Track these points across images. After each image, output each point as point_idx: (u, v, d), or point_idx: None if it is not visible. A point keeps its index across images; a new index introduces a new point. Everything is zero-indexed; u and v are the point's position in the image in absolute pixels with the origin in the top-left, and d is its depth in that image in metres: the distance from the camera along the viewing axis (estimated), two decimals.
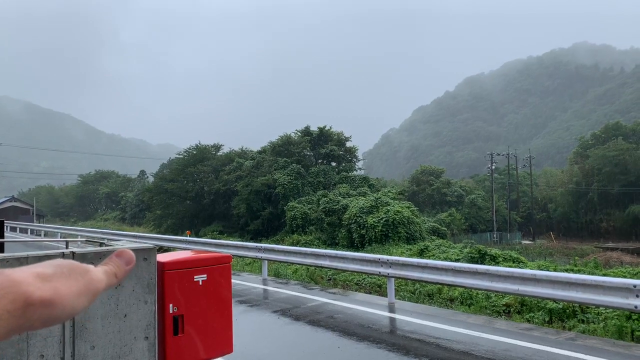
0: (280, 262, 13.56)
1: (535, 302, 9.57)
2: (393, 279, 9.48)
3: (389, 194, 36.54)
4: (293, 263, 12.91)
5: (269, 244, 21.98)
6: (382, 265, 9.63)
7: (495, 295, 10.43)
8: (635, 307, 6.12)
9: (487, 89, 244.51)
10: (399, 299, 10.62)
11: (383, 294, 11.69)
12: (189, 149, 53.46)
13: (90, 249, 4.01)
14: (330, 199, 35.31)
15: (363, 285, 14.20)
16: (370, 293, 12.62)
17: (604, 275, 13.40)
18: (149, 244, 4.44)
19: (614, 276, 12.63)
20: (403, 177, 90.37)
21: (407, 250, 25.25)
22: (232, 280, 5.49)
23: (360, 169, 50.97)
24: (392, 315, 8.38)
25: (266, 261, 13.03)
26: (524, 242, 53.00)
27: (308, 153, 46.92)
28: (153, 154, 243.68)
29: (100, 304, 3.61)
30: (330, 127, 47.91)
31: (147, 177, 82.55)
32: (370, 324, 7.72)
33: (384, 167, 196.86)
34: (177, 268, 4.58)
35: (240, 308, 8.97)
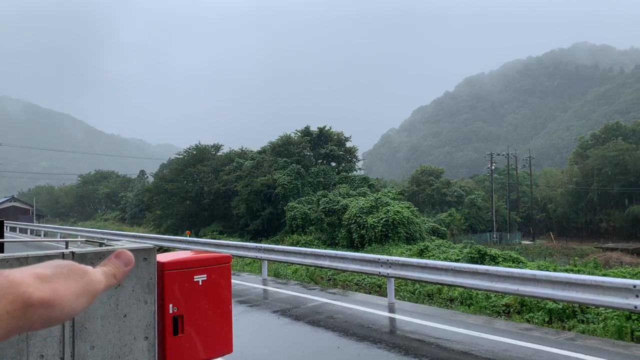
0: (280, 262, 13.56)
1: (535, 302, 9.57)
2: (393, 279, 9.48)
3: (389, 194, 36.53)
4: (293, 263, 12.92)
5: (269, 244, 22.00)
6: (382, 266, 9.63)
7: (495, 296, 10.43)
8: (635, 307, 6.12)
9: (486, 89, 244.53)
10: (399, 299, 10.63)
11: (383, 294, 11.69)
12: (189, 149, 53.48)
13: (90, 249, 4.01)
14: (330, 199, 35.31)
15: (363, 285, 14.20)
16: (370, 293, 12.63)
17: (604, 275, 13.41)
18: (148, 244, 4.44)
19: (614, 276, 12.63)
20: (403, 177, 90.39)
21: (407, 251, 25.25)
22: (232, 281, 5.49)
23: (360, 169, 51.00)
24: (392, 315, 8.38)
25: (266, 261, 13.03)
26: (523, 242, 53.01)
27: (308, 153, 46.93)
28: (153, 154, 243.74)
29: (100, 304, 3.61)
30: (330, 127, 47.94)
31: (147, 177, 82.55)
32: (370, 324, 7.72)
33: (383, 167, 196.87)
34: (177, 268, 4.58)
35: (240, 308, 8.97)
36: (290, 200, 39.63)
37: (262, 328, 7.84)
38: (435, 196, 57.17)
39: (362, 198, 35.02)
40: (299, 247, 19.24)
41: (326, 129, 47.54)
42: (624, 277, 13.56)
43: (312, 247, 26.39)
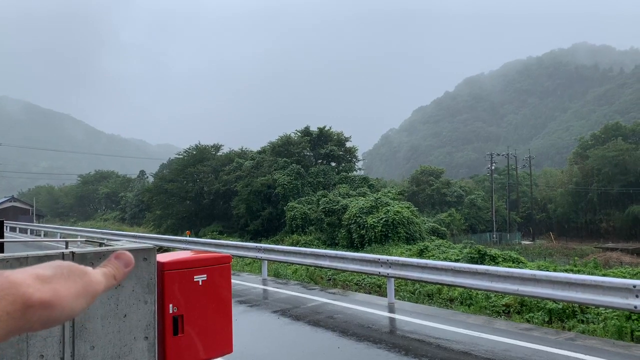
0: (280, 262, 13.56)
1: (535, 302, 9.57)
2: (393, 279, 9.48)
3: (389, 194, 36.52)
4: (293, 263, 12.92)
5: (269, 244, 21.99)
6: (381, 266, 9.63)
7: (495, 296, 10.43)
8: (635, 307, 6.12)
9: (486, 90, 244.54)
10: (399, 299, 10.63)
11: (383, 294, 11.69)
12: (189, 149, 53.48)
13: (90, 249, 4.01)
14: (330, 199, 35.30)
15: (363, 285, 14.20)
16: (370, 293, 12.63)
17: (604, 275, 13.41)
18: (148, 244, 4.44)
19: (614, 276, 12.63)
20: (403, 177, 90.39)
21: (406, 251, 25.24)
22: (232, 281, 5.49)
23: (360, 169, 50.98)
24: (392, 315, 8.38)
25: (266, 261, 13.03)
26: (523, 242, 53.02)
27: (308, 153, 46.93)
28: (153, 154, 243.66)
29: (100, 304, 3.61)
30: (330, 128, 47.94)
31: (147, 177, 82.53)
32: (370, 324, 7.72)
33: (383, 168, 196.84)
34: (177, 268, 4.58)
35: (240, 308, 8.97)
36: (290, 200, 39.63)
37: (262, 328, 7.84)
38: (435, 196, 57.17)
39: (362, 198, 35.01)
40: (299, 247, 19.24)
41: (326, 129, 47.54)
42: (624, 277, 13.56)
43: (312, 247, 26.39)
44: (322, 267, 12.07)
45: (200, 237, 33.39)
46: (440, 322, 7.65)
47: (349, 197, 36.11)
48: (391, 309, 8.78)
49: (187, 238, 18.22)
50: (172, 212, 48.43)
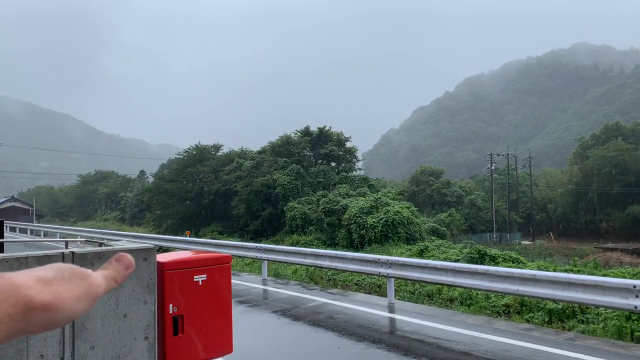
0: (280, 262, 13.56)
1: (535, 302, 9.57)
2: (393, 279, 9.48)
3: (389, 194, 36.52)
4: (293, 263, 12.92)
5: (269, 244, 21.98)
6: (381, 266, 9.63)
7: (495, 296, 10.43)
8: (635, 307, 6.12)
9: (486, 90, 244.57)
10: (399, 299, 10.63)
11: (383, 294, 11.69)
12: (189, 149, 53.48)
13: (90, 249, 4.00)
14: (330, 199, 35.30)
15: (363, 285, 14.20)
16: (370, 293, 12.63)
17: (604, 275, 13.41)
18: (148, 244, 4.44)
19: (614, 276, 12.63)
20: (403, 177, 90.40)
21: (406, 251, 25.24)
22: (232, 281, 5.49)
23: (360, 169, 50.98)
24: (392, 315, 8.38)
25: (266, 261, 13.03)
26: (523, 242, 53.03)
27: (308, 153, 46.93)
28: (153, 154, 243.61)
29: (100, 304, 3.61)
30: (330, 128, 47.94)
31: (147, 177, 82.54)
32: (370, 324, 7.72)
33: (383, 168, 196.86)
34: (177, 268, 4.58)
35: (240, 308, 8.97)
36: (290, 200, 39.63)
37: (262, 328, 7.84)
38: (435, 196, 57.18)
39: (362, 198, 35.01)
40: (299, 247, 19.25)
41: (326, 129, 47.54)
42: (624, 277, 13.56)
43: (312, 247, 26.39)
44: (322, 267, 12.07)
45: (200, 237, 33.40)
46: (440, 322, 7.65)
47: (349, 197, 36.11)
48: (391, 309, 8.78)
49: (187, 238, 18.22)
50: (172, 212, 48.44)
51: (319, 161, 47.34)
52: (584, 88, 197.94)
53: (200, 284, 4.68)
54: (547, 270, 11.17)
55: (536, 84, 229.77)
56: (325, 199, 35.78)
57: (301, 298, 9.93)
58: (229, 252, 13.59)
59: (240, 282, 12.02)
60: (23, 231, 35.63)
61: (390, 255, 19.25)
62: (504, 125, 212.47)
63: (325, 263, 11.14)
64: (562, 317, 9.11)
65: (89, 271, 0.66)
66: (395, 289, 9.67)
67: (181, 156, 53.83)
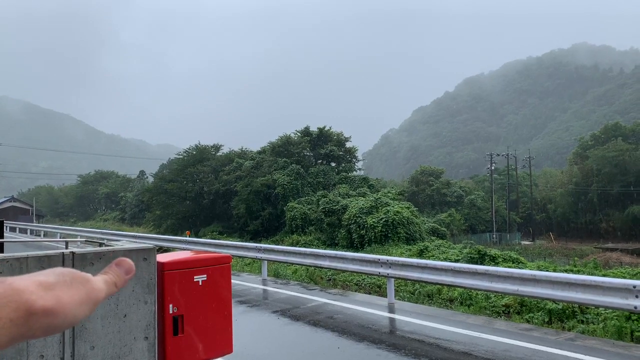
0: (280, 262, 13.55)
1: (535, 302, 9.57)
2: (393, 279, 9.48)
3: (389, 194, 36.51)
4: (293, 263, 12.91)
5: (269, 244, 21.98)
6: (381, 266, 9.63)
7: (495, 296, 10.43)
8: (635, 307, 6.12)
9: (486, 90, 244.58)
10: (399, 299, 10.63)
11: (383, 294, 11.69)
12: (189, 149, 53.48)
13: (90, 249, 4.01)
14: (329, 200, 35.30)
15: (363, 285, 14.19)
16: (369, 293, 12.63)
17: (604, 275, 13.41)
18: (148, 244, 4.44)
19: (614, 277, 12.63)
20: (403, 177, 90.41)
21: (406, 251, 25.24)
22: (232, 281, 5.50)
23: (359, 169, 50.96)
24: (392, 315, 8.38)
25: (266, 261, 13.03)
26: (523, 242, 53.03)
27: (308, 153, 46.93)
28: (153, 154, 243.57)
29: (100, 304, 3.61)
30: (330, 128, 47.93)
31: (147, 177, 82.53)
32: (369, 324, 7.72)
33: (383, 168, 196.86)
34: (177, 268, 4.58)
35: (240, 308, 8.97)
36: (290, 200, 39.62)
37: (262, 328, 7.84)
38: (435, 196, 57.18)
39: (362, 198, 35.01)
40: (299, 247, 19.25)
41: (326, 129, 47.54)
42: (624, 277, 13.56)
43: (312, 248, 26.39)
44: (322, 267, 12.07)
45: (200, 237, 33.40)
46: (440, 323, 7.66)
47: (348, 197, 36.11)
48: (391, 309, 8.78)
49: (187, 238, 18.21)
50: (172, 212, 48.43)
51: (319, 161, 47.33)
52: (584, 88, 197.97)
53: (200, 284, 4.69)
54: (547, 271, 11.17)
55: (536, 84, 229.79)
56: (325, 199, 35.78)
57: (301, 298, 9.93)
58: (229, 252, 13.59)
59: (240, 282, 12.02)
60: (23, 231, 35.62)
61: (390, 255, 19.24)
62: (504, 126, 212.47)
63: (325, 263, 11.14)
64: (562, 317, 9.11)
65: (90, 276, 0.66)
66: (395, 289, 9.67)
67: (181, 156, 53.83)
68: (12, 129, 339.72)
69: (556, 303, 8.84)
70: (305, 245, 30.30)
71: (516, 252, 23.44)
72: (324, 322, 7.89)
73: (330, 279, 14.97)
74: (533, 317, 9.28)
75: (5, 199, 65.80)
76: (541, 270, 12.04)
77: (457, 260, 18.46)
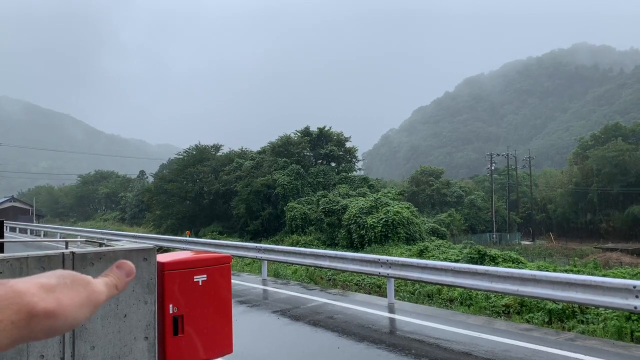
0: (280, 262, 13.56)
1: (535, 302, 9.57)
2: (393, 279, 9.48)
3: (389, 194, 36.51)
4: (293, 263, 12.92)
5: (269, 244, 21.98)
6: (381, 266, 9.63)
7: (495, 296, 10.43)
8: (635, 307, 6.12)
9: (486, 90, 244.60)
10: (399, 299, 10.63)
11: (383, 294, 11.69)
12: (189, 149, 53.47)
13: (90, 249, 4.01)
14: (329, 200, 35.30)
15: (363, 285, 14.20)
16: (369, 293, 12.63)
17: (604, 275, 13.41)
18: (148, 244, 4.44)
19: (614, 277, 12.64)
20: (403, 177, 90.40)
21: (406, 251, 25.24)
22: (232, 281, 5.50)
23: (359, 169, 50.97)
24: (392, 315, 8.38)
25: (266, 261, 13.03)
26: (523, 242, 53.03)
27: (308, 153, 46.93)
28: (153, 154, 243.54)
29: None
30: (330, 128, 47.94)
31: (147, 177, 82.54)
32: (369, 324, 7.72)
33: (383, 168, 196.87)
34: (177, 268, 4.58)
35: (240, 308, 8.97)
36: (290, 200, 39.63)
37: (262, 328, 7.84)
38: (435, 196, 57.18)
39: (362, 198, 35.01)
40: (299, 247, 19.25)
41: (326, 129, 47.55)
42: (624, 277, 13.56)
43: (312, 248, 26.39)
44: (322, 268, 12.07)
45: (200, 237, 33.40)
46: (440, 323, 7.66)
47: (348, 198, 36.11)
48: (391, 309, 8.78)
49: (187, 238, 18.22)
50: (172, 212, 48.44)
51: (319, 161, 47.34)
52: (584, 88, 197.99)
53: (200, 284, 4.69)
54: (547, 271, 11.17)
55: (536, 84, 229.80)
56: (325, 199, 35.78)
57: (301, 298, 9.93)
58: (229, 252, 13.59)
59: (240, 282, 12.02)
60: (23, 231, 35.63)
61: (390, 255, 19.24)
62: (504, 126, 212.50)
63: (325, 263, 11.15)
64: (562, 318, 9.11)
65: (91, 278, 0.67)
66: (395, 289, 9.67)
67: (181, 156, 53.83)
68: (12, 129, 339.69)
69: (556, 303, 8.84)
70: (305, 245, 30.30)
71: (516, 252, 23.43)
72: (324, 322, 7.89)
73: (330, 279, 14.97)
74: (533, 317, 9.28)
75: (5, 199, 65.82)
76: (541, 270, 12.04)
77: (457, 261, 18.45)
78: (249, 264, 16.98)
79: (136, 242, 10.43)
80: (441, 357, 6.00)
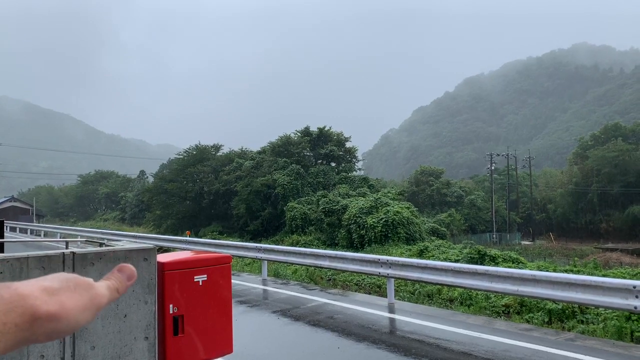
0: (280, 262, 13.56)
1: (535, 302, 9.58)
2: (393, 279, 9.48)
3: (389, 194, 36.51)
4: (293, 263, 12.92)
5: (269, 244, 21.99)
6: (381, 266, 9.64)
7: (495, 296, 10.43)
8: (635, 307, 6.12)
9: (486, 90, 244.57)
10: (399, 299, 10.63)
11: (383, 294, 11.69)
12: (189, 149, 53.48)
13: (91, 249, 4.01)
14: (329, 200, 35.30)
15: (363, 285, 14.20)
16: (369, 293, 12.63)
17: (604, 276, 13.41)
18: (148, 244, 4.44)
19: (614, 277, 12.64)
20: (403, 177, 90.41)
21: (406, 251, 25.24)
22: (232, 281, 5.50)
23: (359, 169, 50.97)
24: (392, 315, 8.38)
25: (266, 261, 13.03)
26: (523, 242, 53.04)
27: (308, 153, 46.93)
28: (153, 154, 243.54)
29: None
30: (330, 128, 47.94)
31: (147, 177, 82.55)
32: (369, 324, 7.73)
33: (383, 168, 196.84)
34: (177, 268, 4.58)
35: (240, 308, 8.97)
36: (290, 200, 39.63)
37: (262, 328, 7.84)
38: (435, 196, 57.18)
39: (362, 198, 35.01)
40: (299, 247, 19.25)
41: (326, 129, 47.55)
42: (624, 277, 13.56)
43: (312, 248, 26.39)
44: (322, 268, 12.07)
45: (200, 237, 33.39)
46: (440, 323, 7.66)
47: (348, 197, 36.11)
48: (391, 310, 8.78)
49: (187, 238, 18.22)
50: (172, 212, 48.44)
51: (319, 161, 47.34)
52: (584, 88, 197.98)
53: (200, 284, 4.69)
54: (547, 271, 11.18)
55: (536, 84, 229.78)
56: (325, 199, 35.78)
57: (301, 298, 9.94)
58: (229, 252, 13.59)
59: (240, 282, 12.02)
60: (23, 231, 35.63)
61: (390, 255, 19.24)
62: (504, 126, 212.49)
63: (325, 263, 11.15)
64: (562, 318, 9.11)
65: (93, 281, 0.67)
66: (395, 289, 9.67)
67: (181, 156, 53.83)
68: (12, 129, 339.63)
69: (556, 303, 8.84)
70: (305, 245, 30.29)
71: (516, 252, 23.42)
72: (324, 322, 7.90)
73: (330, 279, 14.97)
74: (533, 317, 9.28)
75: (5, 199, 65.82)
76: (541, 270, 12.05)
77: (457, 261, 18.45)
78: (249, 264, 16.98)
79: (136, 242, 10.43)
80: (441, 357, 6.00)
